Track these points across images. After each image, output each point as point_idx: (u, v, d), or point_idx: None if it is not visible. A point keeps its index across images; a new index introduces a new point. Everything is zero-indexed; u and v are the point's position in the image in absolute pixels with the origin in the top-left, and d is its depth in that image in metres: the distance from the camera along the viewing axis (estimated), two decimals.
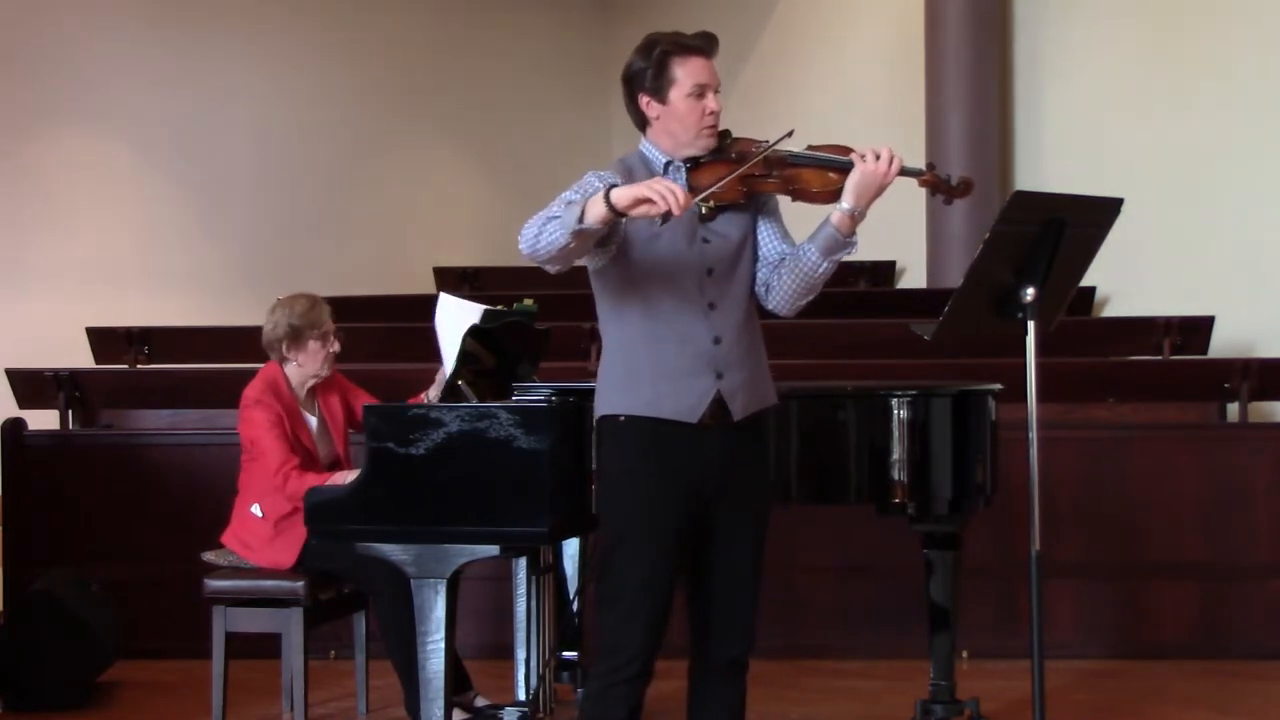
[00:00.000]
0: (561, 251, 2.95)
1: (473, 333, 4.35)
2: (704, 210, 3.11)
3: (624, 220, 2.99)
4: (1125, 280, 8.08)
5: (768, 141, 3.15)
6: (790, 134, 3.11)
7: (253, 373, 4.66)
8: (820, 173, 3.14)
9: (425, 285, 10.08)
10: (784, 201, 3.27)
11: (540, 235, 2.94)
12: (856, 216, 3.09)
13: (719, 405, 3.13)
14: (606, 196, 2.85)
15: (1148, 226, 7.58)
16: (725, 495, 3.17)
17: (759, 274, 3.23)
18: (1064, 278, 3.53)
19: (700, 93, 3.12)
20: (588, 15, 12.50)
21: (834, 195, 3.11)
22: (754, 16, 11.11)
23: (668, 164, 3.18)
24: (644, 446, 3.12)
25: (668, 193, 2.81)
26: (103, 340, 7.75)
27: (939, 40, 8.81)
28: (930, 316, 3.74)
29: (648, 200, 2.81)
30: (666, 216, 2.83)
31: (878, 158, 3.05)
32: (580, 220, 2.86)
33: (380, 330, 7.63)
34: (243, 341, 7.50)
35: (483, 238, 11.51)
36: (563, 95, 12.21)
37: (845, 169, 3.10)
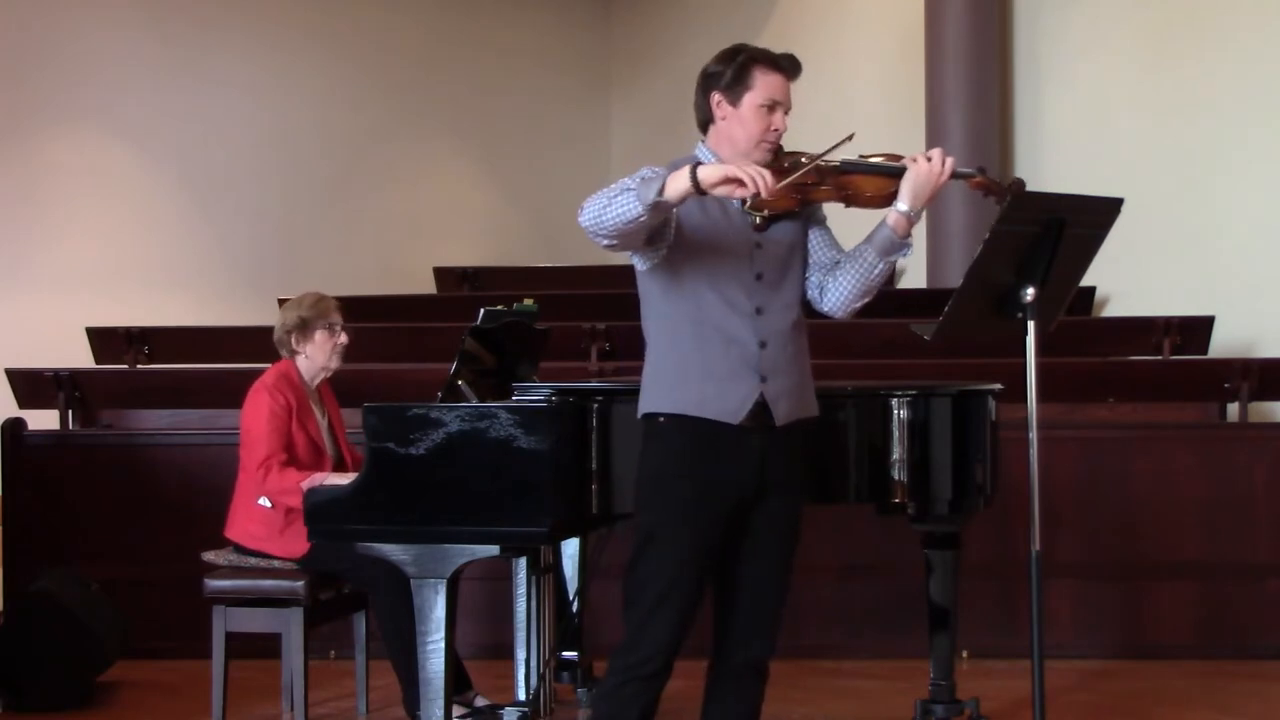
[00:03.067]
0: (629, 225, 2.94)
1: (473, 333, 4.36)
2: (758, 221, 3.16)
3: (673, 214, 3.05)
4: (1125, 280, 8.08)
5: (811, 152, 3.19)
6: (850, 138, 3.14)
7: (253, 373, 4.68)
8: (873, 179, 3.21)
9: (426, 285, 10.09)
10: (835, 211, 3.31)
11: (609, 207, 2.93)
12: (913, 218, 3.18)
13: (762, 409, 3.15)
14: (693, 172, 2.88)
15: (1148, 226, 7.58)
16: (764, 498, 3.19)
17: (812, 277, 3.29)
18: (1064, 278, 3.53)
19: (772, 107, 3.16)
20: (588, 13, 12.50)
21: (888, 200, 3.20)
22: (754, 14, 11.11)
23: None
24: (684, 448, 3.14)
25: (757, 175, 2.86)
26: (103, 340, 7.75)
27: (939, 39, 8.81)
28: (930, 316, 3.73)
29: (735, 180, 2.86)
30: (754, 200, 2.90)
31: (928, 159, 3.14)
32: (660, 193, 2.89)
33: (380, 330, 7.63)
34: (243, 341, 7.52)
35: (483, 238, 11.52)
36: (563, 92, 12.21)
37: (898, 174, 3.18)
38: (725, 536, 3.18)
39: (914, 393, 3.99)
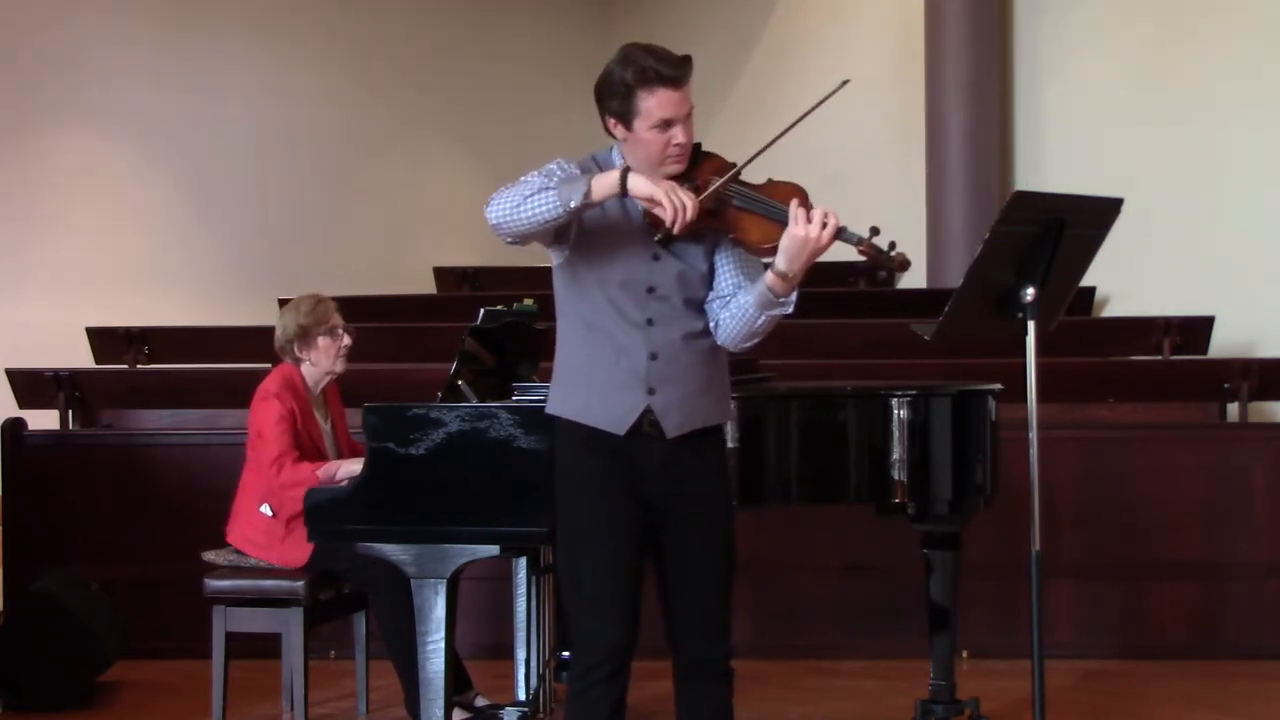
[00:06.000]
0: (544, 225, 2.94)
1: (473, 333, 4.36)
2: (657, 237, 3.05)
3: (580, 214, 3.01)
4: (1125, 280, 8.08)
5: (735, 164, 3.07)
6: (846, 82, 3.05)
7: (252, 373, 4.67)
8: (761, 222, 3.03)
9: (425, 285, 10.09)
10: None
11: (523, 206, 2.93)
12: (790, 279, 3.01)
13: (650, 420, 3.09)
14: (624, 177, 2.88)
15: (1148, 226, 7.58)
16: (676, 503, 3.13)
17: (711, 307, 3.17)
18: (1064, 278, 3.53)
19: (665, 126, 3.03)
20: (587, 14, 12.51)
21: (773, 251, 3.01)
22: (754, 15, 11.12)
23: None
24: (581, 454, 3.12)
25: (681, 207, 2.84)
26: (103, 340, 7.75)
27: (939, 40, 8.82)
28: (930, 316, 3.73)
29: (659, 203, 2.86)
30: (667, 234, 2.84)
31: (810, 221, 2.95)
32: (587, 196, 2.88)
33: (380, 330, 7.62)
34: (243, 341, 7.52)
35: (483, 238, 11.45)
36: (562, 94, 12.20)
37: (785, 222, 2.99)
38: (645, 539, 3.13)
39: (914, 393, 3.99)
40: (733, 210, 3.05)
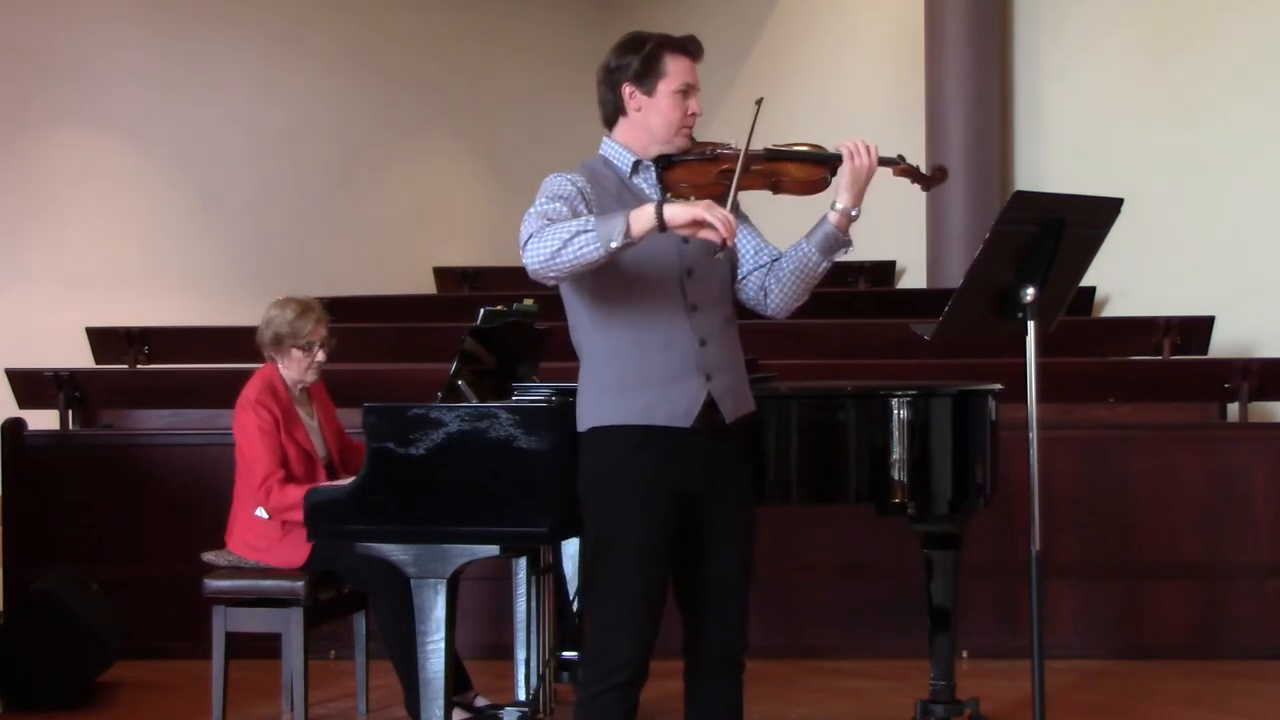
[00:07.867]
0: (588, 266, 2.88)
1: (473, 333, 4.36)
2: (718, 254, 3.07)
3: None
4: (1125, 280, 8.08)
5: (730, 143, 3.16)
6: (759, 102, 3.09)
7: (252, 373, 4.67)
8: (803, 165, 3.17)
9: (425, 285, 10.10)
10: (764, 196, 3.27)
11: (563, 250, 2.84)
12: (854, 215, 3.12)
13: (710, 408, 3.10)
14: (659, 211, 2.80)
15: (1148, 226, 7.58)
16: (712, 497, 3.14)
17: (752, 279, 3.23)
18: (1064, 278, 3.53)
19: (686, 92, 3.14)
20: (589, 14, 12.50)
21: (816, 186, 3.17)
22: (755, 14, 11.11)
23: (636, 163, 3.17)
24: (631, 450, 3.08)
25: (724, 220, 2.78)
26: (103, 340, 7.75)
27: (939, 40, 8.82)
28: (930, 316, 3.74)
29: (704, 224, 2.78)
30: (721, 244, 2.81)
31: (865, 152, 3.09)
32: (627, 234, 2.80)
33: (380, 331, 7.63)
34: (243, 341, 7.45)
35: (483, 238, 11.52)
36: (564, 94, 12.21)
37: (827, 161, 3.15)
38: (680, 537, 3.13)
39: (914, 393, 3.99)
40: (766, 162, 3.15)
